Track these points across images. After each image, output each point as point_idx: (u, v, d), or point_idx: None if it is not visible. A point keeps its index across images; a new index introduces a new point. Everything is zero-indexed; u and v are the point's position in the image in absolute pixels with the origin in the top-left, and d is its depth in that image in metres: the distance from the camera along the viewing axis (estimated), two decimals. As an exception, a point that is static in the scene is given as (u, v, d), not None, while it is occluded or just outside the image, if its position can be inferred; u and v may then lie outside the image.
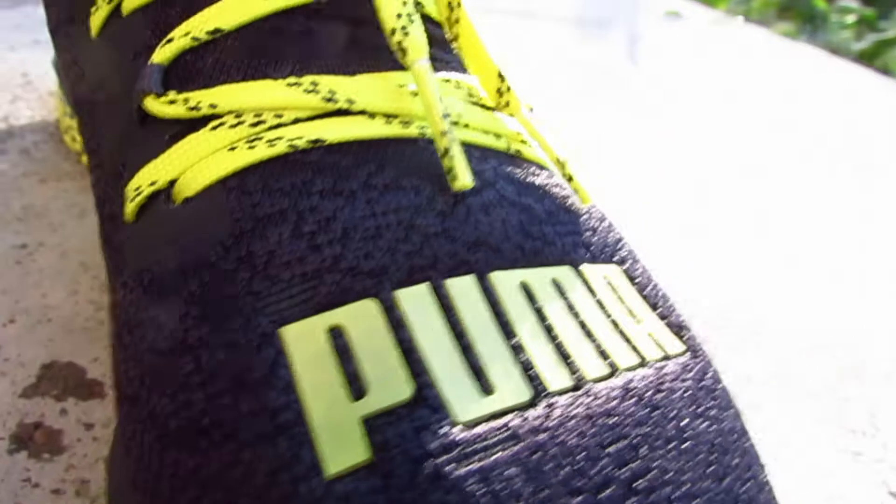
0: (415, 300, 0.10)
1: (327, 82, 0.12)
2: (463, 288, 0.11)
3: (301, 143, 0.11)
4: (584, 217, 0.14)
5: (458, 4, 0.13)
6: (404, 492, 0.08)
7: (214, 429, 0.09)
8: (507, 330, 0.11)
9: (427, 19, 0.14)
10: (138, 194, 0.12)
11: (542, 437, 0.09)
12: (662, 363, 0.12)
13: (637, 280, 0.14)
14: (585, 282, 0.12)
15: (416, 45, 0.12)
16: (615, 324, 0.12)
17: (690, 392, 0.12)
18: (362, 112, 0.12)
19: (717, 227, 0.31)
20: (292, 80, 0.12)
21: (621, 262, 0.14)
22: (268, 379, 0.09)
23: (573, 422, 0.10)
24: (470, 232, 0.11)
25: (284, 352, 0.10)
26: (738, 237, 0.31)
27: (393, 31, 0.12)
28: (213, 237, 0.11)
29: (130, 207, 0.12)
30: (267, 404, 0.09)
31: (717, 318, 0.25)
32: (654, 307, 0.13)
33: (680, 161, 0.38)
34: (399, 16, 0.12)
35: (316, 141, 0.11)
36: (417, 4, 0.13)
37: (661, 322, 0.13)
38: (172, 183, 0.12)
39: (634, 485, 0.09)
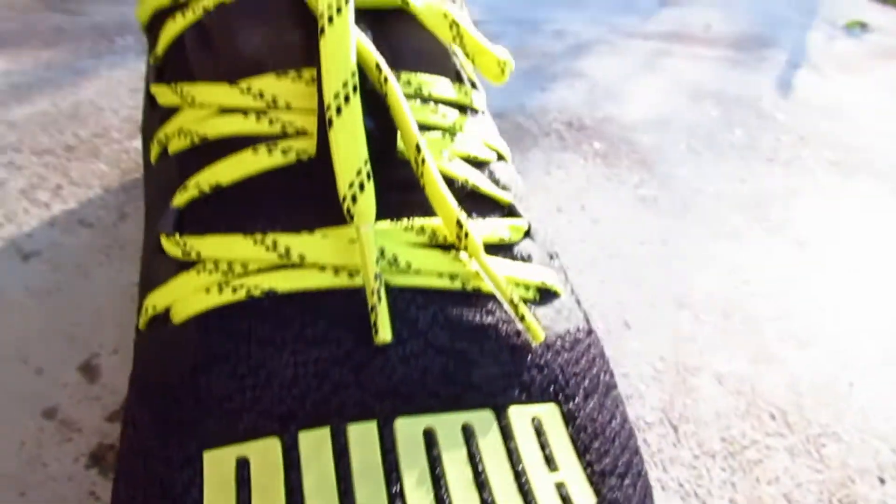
0: (313, 442, 0.12)
1: (285, 240, 0.14)
2: (361, 433, 0.12)
3: (256, 293, 0.14)
4: (530, 356, 0.15)
5: (420, 151, 0.15)
6: None
7: None
8: (391, 477, 0.12)
9: (402, 164, 0.15)
10: (146, 311, 0.15)
11: None
12: None
13: (576, 421, 0.14)
14: (505, 426, 0.13)
15: (363, 211, 0.14)
16: (518, 474, 0.13)
17: None
18: (314, 265, 0.14)
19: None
20: (258, 236, 0.14)
21: (567, 399, 0.15)
22: (182, 496, 0.12)
23: None
24: (382, 382, 0.13)
25: (202, 473, 0.12)
26: None
27: (344, 199, 0.14)
28: (180, 364, 0.13)
29: (142, 319, 0.15)
30: None
31: None
32: (582, 452, 0.14)
33: (848, 263, 0.35)
34: (351, 184, 0.14)
35: (268, 291, 0.14)
36: (385, 161, 0.15)
37: (583, 471, 0.14)
38: (168, 309, 0.15)
39: None
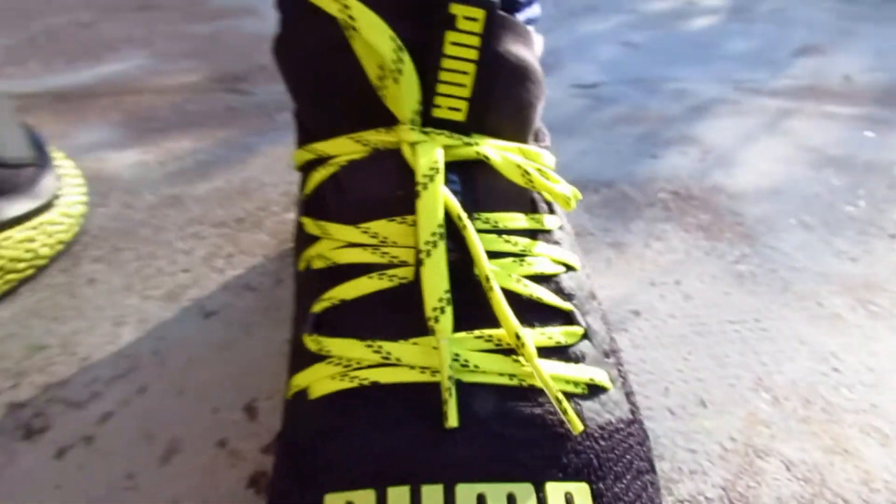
0: (397, 496, 0.17)
1: (387, 346, 0.19)
2: (431, 493, 0.17)
3: (365, 382, 0.19)
4: (569, 443, 0.19)
5: (489, 279, 0.19)
6: None
7: None
8: None
9: (477, 285, 0.20)
10: (291, 387, 0.20)
11: None
12: None
13: (603, 499, 0.18)
14: (541, 497, 0.18)
15: (443, 328, 0.18)
16: None
17: None
18: (406, 365, 0.19)
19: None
20: (369, 342, 0.19)
21: (598, 479, 0.18)
22: None
23: None
24: (449, 457, 0.18)
25: None
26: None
27: (429, 318, 0.19)
28: (310, 429, 0.19)
29: (289, 392, 0.21)
30: None
31: None
32: None
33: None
34: (434, 308, 0.18)
35: (373, 382, 0.19)
36: (464, 284, 0.19)
37: None
38: (306, 388, 0.20)
39: None
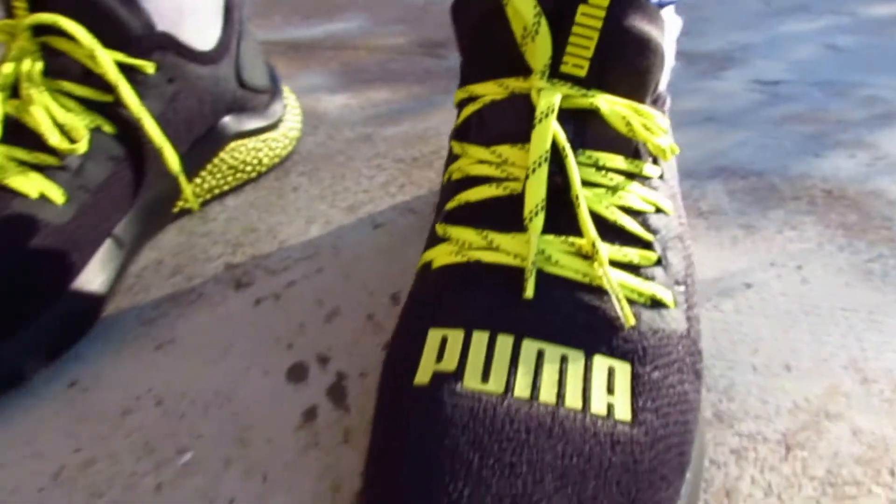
0: (478, 338, 0.23)
1: (492, 236, 0.25)
2: (503, 341, 0.23)
3: (472, 259, 0.25)
4: (619, 330, 0.23)
5: (578, 199, 0.24)
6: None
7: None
8: (512, 366, 0.22)
9: (570, 204, 0.25)
10: (423, 259, 0.27)
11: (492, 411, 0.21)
12: (599, 420, 0.21)
13: (640, 378, 0.23)
14: (588, 363, 0.23)
15: (535, 227, 0.24)
16: (585, 388, 0.22)
17: (593, 439, 0.21)
18: (504, 251, 0.24)
19: None
20: (480, 231, 0.25)
21: (640, 365, 0.23)
22: (411, 358, 0.24)
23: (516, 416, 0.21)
24: (522, 318, 0.23)
25: (425, 341, 0.24)
26: None
27: (525, 219, 0.24)
28: (430, 289, 0.25)
29: (420, 264, 0.27)
30: (410, 360, 0.23)
31: None
32: (636, 395, 0.22)
33: None
34: (530, 212, 0.24)
35: (477, 260, 0.25)
36: (560, 200, 0.25)
37: (630, 403, 0.22)
38: (431, 261, 0.26)
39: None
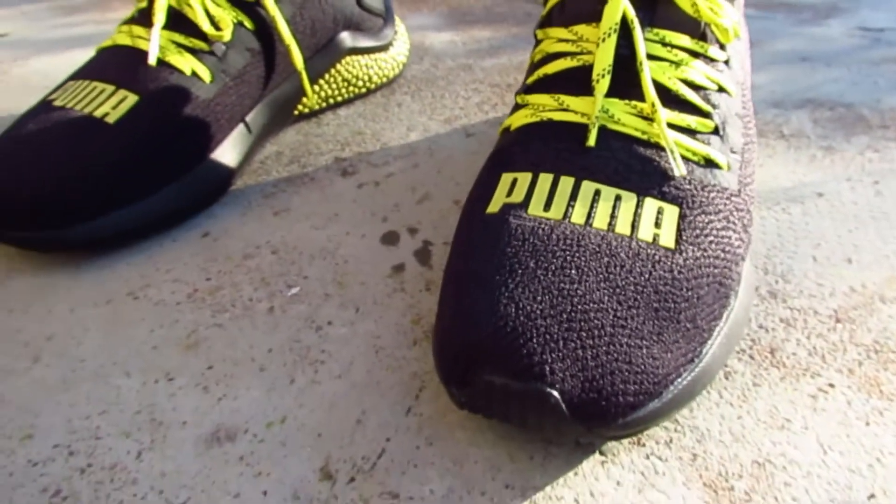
0: (544, 179, 0.26)
1: (564, 98, 0.28)
2: (566, 181, 0.26)
3: (544, 118, 0.28)
4: (671, 179, 0.26)
5: (642, 66, 0.27)
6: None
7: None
8: (572, 200, 0.25)
9: (636, 72, 0.28)
10: (503, 125, 0.31)
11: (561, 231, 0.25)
12: (644, 243, 0.25)
13: (686, 219, 0.26)
14: (639, 203, 0.26)
15: (600, 89, 0.27)
16: (635, 221, 0.25)
17: (641, 267, 0.24)
18: (573, 110, 0.28)
19: None
20: (553, 96, 0.29)
21: (688, 209, 0.26)
22: (485, 196, 0.28)
23: (569, 233, 0.25)
24: (583, 163, 0.26)
25: (498, 182, 0.28)
26: None
27: (592, 81, 0.27)
28: (507, 142, 0.29)
29: (500, 130, 0.31)
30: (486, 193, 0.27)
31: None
32: (681, 230, 0.25)
33: None
34: (597, 75, 0.27)
35: (549, 119, 0.28)
36: (626, 68, 0.28)
37: (676, 234, 0.25)
38: (510, 125, 0.30)
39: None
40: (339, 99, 0.48)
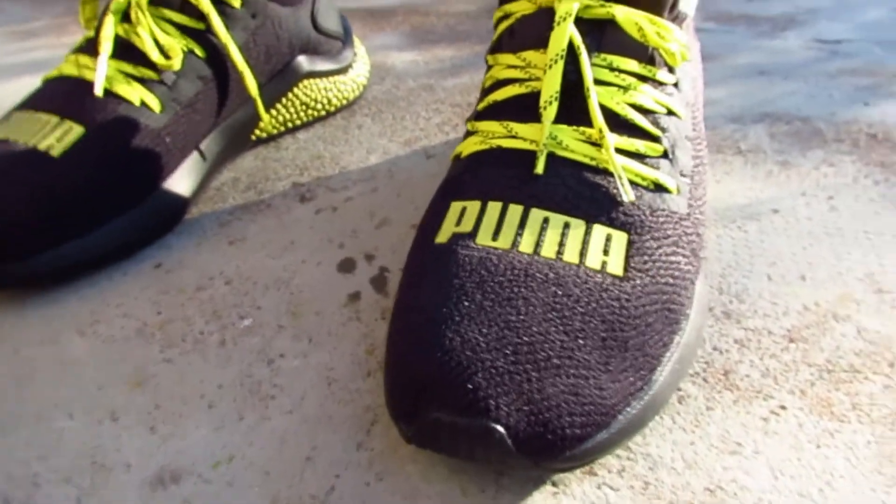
0: (493, 207, 0.26)
1: (512, 125, 0.28)
2: (514, 209, 0.26)
3: (493, 146, 0.28)
4: (619, 205, 0.26)
5: (589, 92, 0.27)
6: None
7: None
8: (520, 228, 0.25)
9: (583, 98, 0.28)
10: (454, 153, 0.31)
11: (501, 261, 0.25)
12: (592, 271, 0.24)
13: (634, 245, 0.25)
14: (588, 230, 0.25)
15: (548, 116, 0.27)
16: (583, 248, 0.25)
17: (586, 296, 0.24)
18: (522, 137, 0.28)
19: None
20: (502, 123, 0.28)
21: (637, 235, 0.26)
22: (438, 215, 0.27)
23: (513, 264, 0.24)
24: (531, 190, 0.26)
25: (448, 209, 0.27)
26: None
27: (540, 108, 0.27)
28: (457, 171, 0.29)
29: (452, 155, 0.31)
30: (437, 216, 0.27)
31: None
32: (629, 257, 0.25)
33: None
34: (545, 102, 0.27)
35: (498, 146, 0.28)
36: (574, 95, 0.28)
37: (624, 263, 0.25)
38: (461, 152, 0.30)
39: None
40: (298, 122, 0.48)
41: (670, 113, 0.29)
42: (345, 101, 0.51)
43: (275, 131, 0.47)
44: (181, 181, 0.38)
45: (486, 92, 0.31)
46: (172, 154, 0.37)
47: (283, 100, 0.46)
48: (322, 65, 0.48)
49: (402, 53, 0.62)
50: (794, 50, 0.59)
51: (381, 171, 0.44)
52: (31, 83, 0.60)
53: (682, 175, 0.28)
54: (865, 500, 0.24)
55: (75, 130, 0.34)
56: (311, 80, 0.47)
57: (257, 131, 0.45)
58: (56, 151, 0.34)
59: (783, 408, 0.27)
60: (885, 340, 0.30)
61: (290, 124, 0.47)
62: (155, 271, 0.36)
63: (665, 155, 0.28)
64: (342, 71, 0.50)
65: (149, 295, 0.35)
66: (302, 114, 0.48)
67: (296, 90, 0.46)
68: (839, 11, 0.69)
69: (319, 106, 0.49)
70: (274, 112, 0.46)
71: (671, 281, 0.25)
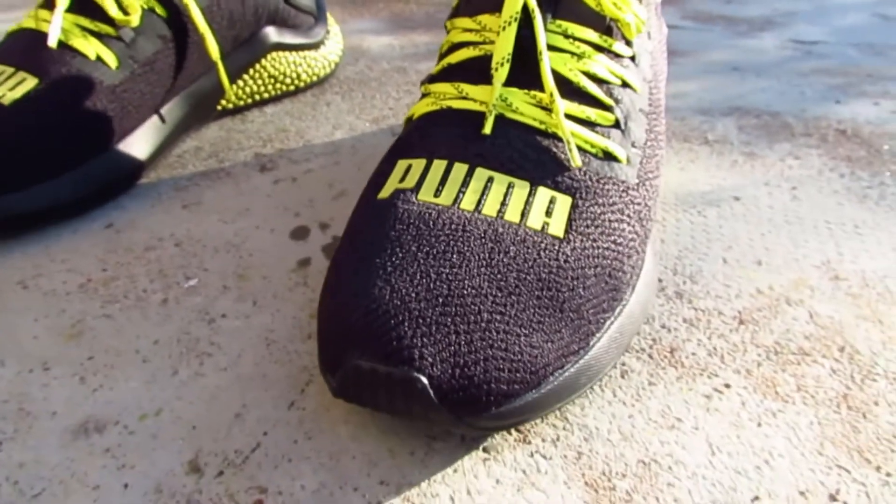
0: (437, 165, 0.25)
1: (463, 87, 0.28)
2: (459, 168, 0.25)
3: (443, 107, 0.28)
4: (566, 170, 0.26)
5: (541, 56, 0.27)
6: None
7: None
8: (463, 186, 0.25)
9: (535, 62, 0.28)
10: (407, 114, 0.30)
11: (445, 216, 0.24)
12: (532, 231, 0.24)
13: (578, 209, 0.25)
14: (531, 191, 0.25)
15: (499, 77, 0.26)
16: (525, 209, 0.24)
17: (528, 255, 0.23)
18: (472, 99, 0.27)
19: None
20: (454, 84, 0.28)
21: (581, 200, 0.25)
22: (383, 174, 0.27)
23: (453, 220, 0.24)
24: (478, 150, 0.26)
25: (394, 168, 0.27)
26: None
27: (491, 70, 0.27)
28: (408, 133, 0.28)
29: (405, 118, 0.30)
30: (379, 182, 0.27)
31: None
32: (571, 220, 0.25)
33: None
34: (496, 65, 0.27)
35: (448, 107, 0.28)
36: (526, 59, 0.27)
37: (565, 225, 0.24)
38: (413, 113, 0.30)
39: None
40: (266, 96, 0.47)
41: (625, 85, 0.29)
42: (315, 78, 0.50)
43: (242, 103, 0.46)
44: (138, 143, 0.38)
45: (442, 56, 0.31)
46: (129, 113, 0.37)
47: (251, 70, 0.45)
48: (291, 38, 0.47)
49: (378, 37, 0.62)
50: (770, 49, 0.60)
51: (345, 146, 0.43)
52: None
53: (634, 146, 0.28)
54: (804, 479, 0.23)
55: (29, 81, 0.34)
56: (280, 53, 0.47)
57: (224, 101, 0.44)
58: (7, 100, 0.33)
59: (727, 386, 0.27)
60: (837, 326, 0.29)
61: (257, 97, 0.47)
62: (105, 231, 0.36)
63: (617, 125, 0.28)
64: (313, 46, 0.49)
65: (96, 252, 0.34)
66: (270, 87, 0.47)
67: (263, 62, 0.46)
68: (817, 15, 0.69)
69: (288, 80, 0.48)
70: (241, 83, 0.45)
71: (613, 247, 0.25)
